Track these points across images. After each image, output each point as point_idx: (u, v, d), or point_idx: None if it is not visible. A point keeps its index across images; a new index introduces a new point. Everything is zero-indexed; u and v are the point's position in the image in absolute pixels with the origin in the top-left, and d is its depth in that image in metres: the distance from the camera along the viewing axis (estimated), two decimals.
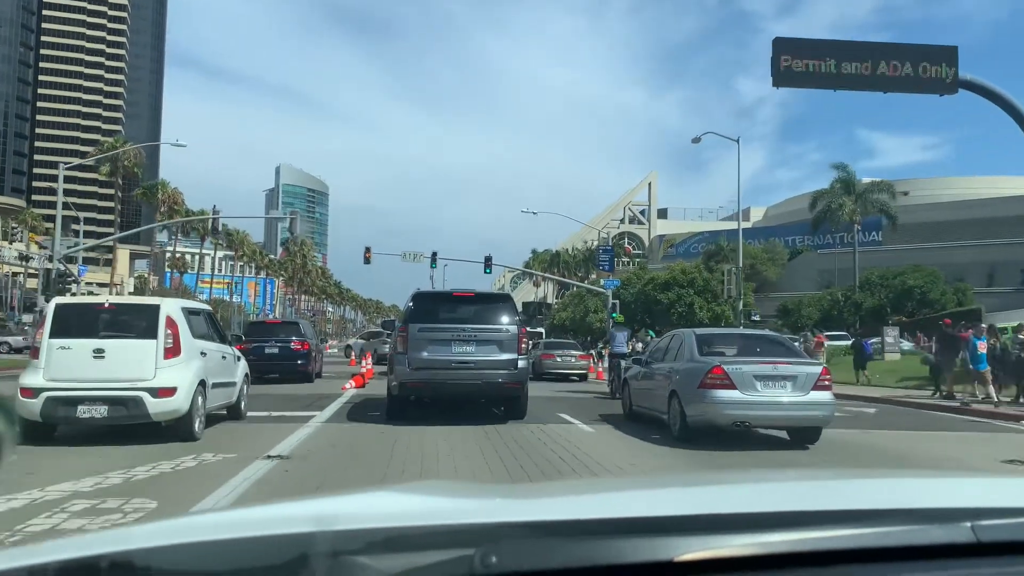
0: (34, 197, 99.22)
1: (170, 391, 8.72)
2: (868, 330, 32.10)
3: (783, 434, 10.23)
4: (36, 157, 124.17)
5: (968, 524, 1.01)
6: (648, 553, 0.94)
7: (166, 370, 8.81)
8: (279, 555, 0.94)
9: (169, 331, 8.96)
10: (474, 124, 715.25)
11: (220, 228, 28.78)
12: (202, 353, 9.58)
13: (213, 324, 10.84)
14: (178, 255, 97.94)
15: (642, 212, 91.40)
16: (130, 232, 47.05)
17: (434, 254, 38.99)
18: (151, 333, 8.89)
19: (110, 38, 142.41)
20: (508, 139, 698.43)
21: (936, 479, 1.68)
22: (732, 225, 77.01)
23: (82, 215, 53.31)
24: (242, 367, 11.42)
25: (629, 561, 0.93)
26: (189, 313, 9.77)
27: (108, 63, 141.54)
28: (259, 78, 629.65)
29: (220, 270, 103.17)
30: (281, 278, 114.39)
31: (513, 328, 11.23)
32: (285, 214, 33.40)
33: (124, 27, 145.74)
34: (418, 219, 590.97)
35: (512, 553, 0.93)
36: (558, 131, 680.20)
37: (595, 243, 77.83)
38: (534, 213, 42.79)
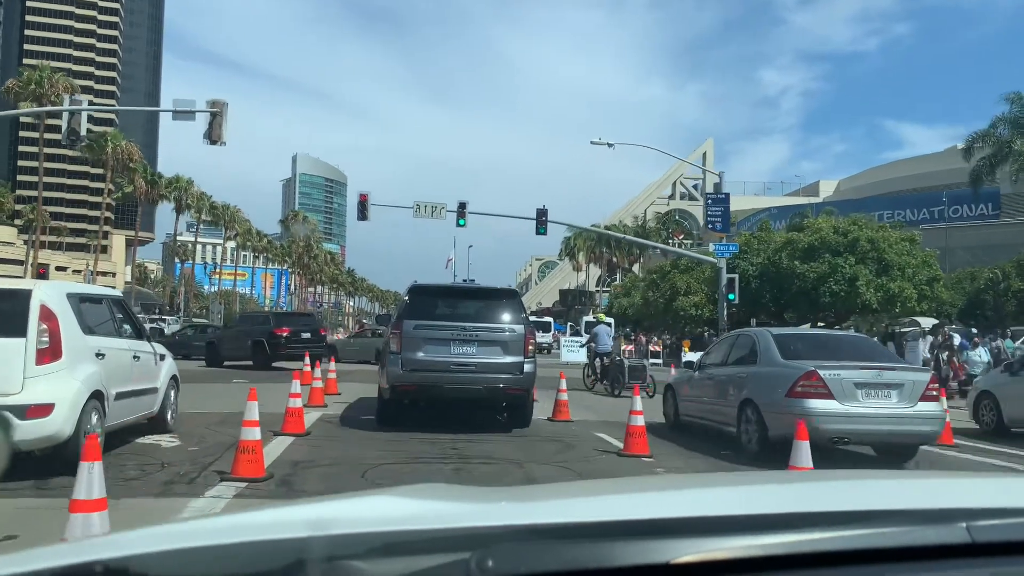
0: (19, 192, 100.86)
1: (45, 409, 6.96)
2: None
3: (867, 448, 9.94)
4: (20, 148, 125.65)
5: (963, 524, 1.08)
6: (645, 556, 1.00)
7: (40, 380, 7.06)
8: (275, 560, 1.00)
9: (45, 326, 7.17)
10: (491, 118, 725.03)
11: (81, 130, 23.99)
12: (98, 354, 7.89)
13: (124, 315, 9.33)
14: (188, 244, 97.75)
15: (695, 186, 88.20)
16: None
17: (461, 205, 30.84)
18: (18, 329, 7.06)
19: (101, 31, 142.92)
20: (525, 132, 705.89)
21: (931, 479, 1.87)
22: (806, 200, 73.41)
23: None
24: (167, 368, 10.06)
25: (626, 564, 0.99)
26: (81, 300, 8.05)
27: (99, 51, 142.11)
28: (274, 71, 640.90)
29: (232, 260, 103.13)
30: (287, 264, 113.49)
31: (519, 328, 11.34)
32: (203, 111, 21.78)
33: (117, 20, 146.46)
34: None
35: (508, 557, 1.00)
36: (576, 124, 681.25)
37: (642, 221, 75.35)
38: (609, 145, 35.22)
